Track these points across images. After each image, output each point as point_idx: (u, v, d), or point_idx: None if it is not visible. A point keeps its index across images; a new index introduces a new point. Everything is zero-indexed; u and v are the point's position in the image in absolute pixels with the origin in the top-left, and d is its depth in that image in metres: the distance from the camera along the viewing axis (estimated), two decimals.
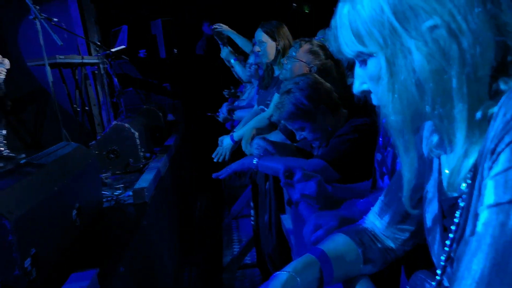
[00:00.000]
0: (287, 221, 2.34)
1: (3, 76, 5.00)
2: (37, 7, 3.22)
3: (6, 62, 5.08)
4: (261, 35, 3.27)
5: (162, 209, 3.32)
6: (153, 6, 6.46)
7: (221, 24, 4.47)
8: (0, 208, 1.46)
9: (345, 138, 1.97)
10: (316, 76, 2.15)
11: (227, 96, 5.15)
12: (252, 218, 3.54)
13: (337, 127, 2.06)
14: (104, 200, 2.81)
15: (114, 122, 3.88)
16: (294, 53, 2.54)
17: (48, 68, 3.33)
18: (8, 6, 5.57)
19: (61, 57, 4.30)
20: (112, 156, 3.69)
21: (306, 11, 7.08)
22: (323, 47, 2.51)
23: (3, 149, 5.21)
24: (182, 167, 4.97)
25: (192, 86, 6.53)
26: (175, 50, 6.45)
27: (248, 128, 3.09)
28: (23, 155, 5.20)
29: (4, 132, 5.22)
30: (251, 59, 4.26)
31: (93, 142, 3.82)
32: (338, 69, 2.45)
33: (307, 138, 2.14)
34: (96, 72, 6.10)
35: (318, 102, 2.03)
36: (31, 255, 1.52)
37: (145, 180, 3.08)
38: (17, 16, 5.49)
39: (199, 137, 6.00)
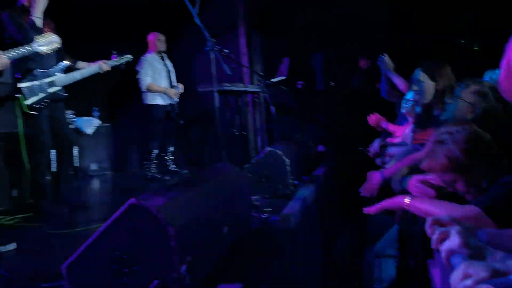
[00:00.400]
0: (434, 266, 2.20)
1: (177, 99, 5.63)
2: (214, 40, 3.59)
3: (181, 86, 5.71)
4: (420, 74, 3.17)
5: (306, 236, 3.36)
6: (314, 40, 6.69)
7: (386, 57, 4.42)
8: (166, 216, 1.65)
9: (507, 186, 1.80)
10: (475, 127, 1.99)
11: (380, 132, 5.06)
12: (396, 259, 3.39)
13: (494, 180, 1.87)
14: (252, 221, 2.96)
15: (268, 148, 4.08)
16: (459, 93, 2.41)
17: (216, 95, 3.66)
18: (188, 40, 6.29)
19: (227, 85, 4.70)
20: (263, 180, 3.88)
21: (475, 48, 6.65)
22: (493, 89, 2.33)
23: (170, 164, 5.82)
24: (329, 198, 4.97)
25: (345, 119, 6.55)
26: (332, 83, 6.56)
27: (400, 166, 2.99)
28: (186, 171, 5.74)
29: (172, 149, 5.84)
30: (409, 95, 4.14)
31: (247, 165, 4.05)
32: (507, 112, 2.25)
33: (458, 191, 1.99)
34: (256, 100, 6.49)
35: (474, 157, 1.88)
36: (187, 261, 1.68)
37: (292, 207, 3.17)
38: (195, 48, 6.15)
39: (348, 170, 5.96)
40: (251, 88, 5.74)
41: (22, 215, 3.72)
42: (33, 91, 3.55)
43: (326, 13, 6.69)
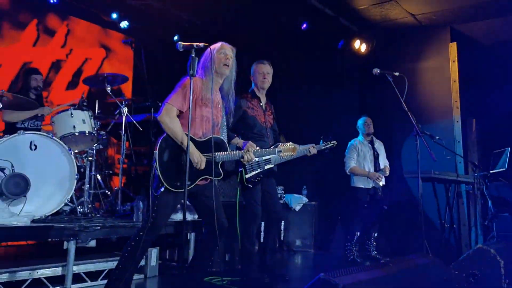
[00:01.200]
0: None
1: (382, 183, 5.58)
2: (419, 126, 3.57)
3: (386, 170, 5.66)
4: None
5: None
6: None
7: None
8: None
9: None
10: None
11: None
12: None
13: None
14: None
15: (479, 245, 3.71)
16: None
17: (420, 181, 3.57)
18: (398, 125, 6.33)
19: (436, 172, 4.51)
20: (472, 280, 3.50)
21: None
22: None
23: (372, 249, 5.69)
24: None
25: None
26: None
27: None
28: (388, 258, 5.53)
29: (375, 234, 5.72)
30: None
31: (455, 261, 3.73)
32: None
33: None
34: (471, 191, 6.01)
35: None
36: None
37: None
38: (403, 133, 6.15)
39: None
40: (464, 178, 5.36)
41: (230, 278, 4.09)
42: (252, 167, 4.01)
43: None
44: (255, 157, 3.29)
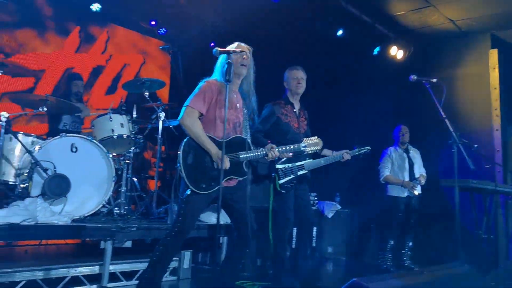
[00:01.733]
0: None
1: (417, 192, 5.48)
2: (458, 133, 3.50)
3: (422, 179, 5.55)
4: None
5: None
6: None
7: None
8: None
9: None
10: None
11: None
12: None
13: None
14: None
15: None
16: None
17: (457, 190, 3.49)
18: (439, 133, 6.19)
19: (473, 181, 4.39)
20: None
21: None
22: None
23: (406, 259, 5.59)
24: None
25: None
26: None
27: None
28: (421, 268, 5.41)
29: (410, 244, 5.62)
30: None
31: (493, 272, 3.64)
32: None
33: None
34: (509, 201, 5.82)
35: None
36: None
37: None
38: (440, 140, 6.01)
39: None
40: (504, 188, 5.20)
41: (261, 283, 4.11)
42: (286, 172, 4.01)
43: None
44: (279, 154, 3.28)
